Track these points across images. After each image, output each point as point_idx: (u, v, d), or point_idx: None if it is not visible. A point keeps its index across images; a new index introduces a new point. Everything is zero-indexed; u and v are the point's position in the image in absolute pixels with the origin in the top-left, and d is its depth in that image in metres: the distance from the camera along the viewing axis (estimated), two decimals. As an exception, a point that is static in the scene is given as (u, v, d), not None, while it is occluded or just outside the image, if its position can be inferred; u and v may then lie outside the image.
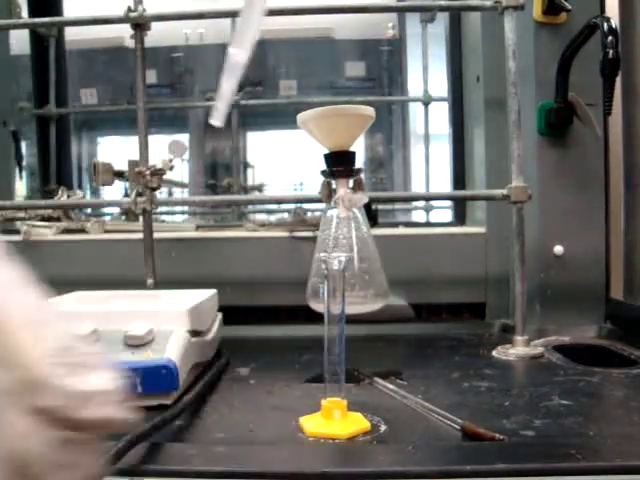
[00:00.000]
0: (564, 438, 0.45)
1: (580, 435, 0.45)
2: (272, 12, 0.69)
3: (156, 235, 0.86)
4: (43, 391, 0.20)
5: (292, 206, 1.05)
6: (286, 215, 1.07)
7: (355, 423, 0.47)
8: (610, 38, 0.69)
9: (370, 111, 0.53)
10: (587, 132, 0.82)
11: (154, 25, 0.84)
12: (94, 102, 1.87)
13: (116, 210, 1.17)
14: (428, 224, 1.30)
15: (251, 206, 1.56)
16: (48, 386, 0.20)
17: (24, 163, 1.57)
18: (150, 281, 0.83)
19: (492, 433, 0.44)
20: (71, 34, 1.69)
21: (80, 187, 1.90)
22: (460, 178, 1.05)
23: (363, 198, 0.55)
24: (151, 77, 1.84)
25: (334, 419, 0.46)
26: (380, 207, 1.07)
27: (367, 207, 0.57)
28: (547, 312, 0.83)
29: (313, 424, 0.46)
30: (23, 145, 1.60)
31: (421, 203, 1.40)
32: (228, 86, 0.41)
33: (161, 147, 1.04)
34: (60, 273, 0.47)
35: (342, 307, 0.46)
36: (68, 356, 0.21)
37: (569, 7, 0.79)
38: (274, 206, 1.40)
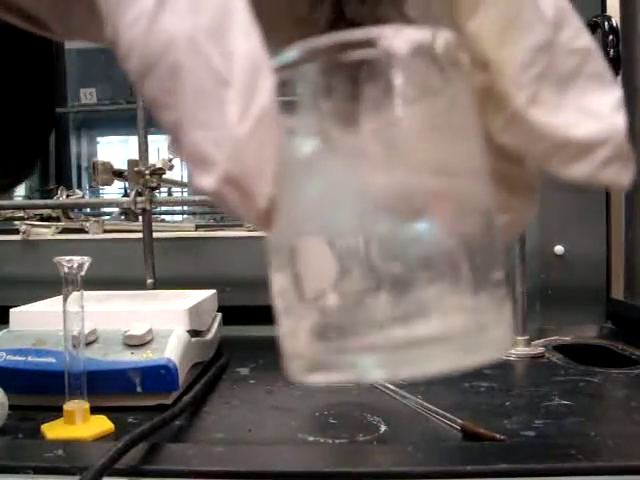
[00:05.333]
0: (564, 438, 0.45)
1: (580, 435, 0.45)
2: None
3: (156, 235, 0.86)
4: (508, 93, 0.16)
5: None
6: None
7: (98, 425, 0.46)
8: (611, 37, 0.69)
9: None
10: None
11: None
12: (93, 101, 1.87)
13: (115, 210, 1.17)
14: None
15: (251, 206, 1.56)
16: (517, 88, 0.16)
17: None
18: (149, 281, 0.83)
19: (492, 433, 0.44)
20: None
21: (79, 187, 1.90)
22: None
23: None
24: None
25: (76, 423, 0.45)
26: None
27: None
28: (548, 312, 0.83)
29: (55, 430, 0.45)
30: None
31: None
32: None
33: (161, 146, 1.04)
34: (59, 273, 0.47)
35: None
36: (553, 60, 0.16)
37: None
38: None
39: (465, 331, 0.14)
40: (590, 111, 0.16)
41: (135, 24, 0.13)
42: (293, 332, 0.17)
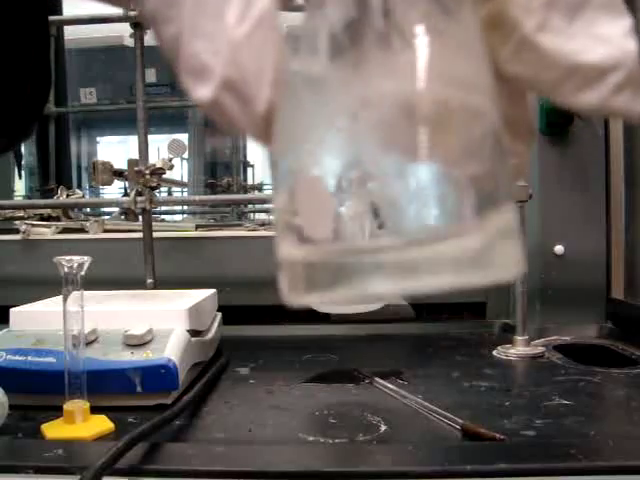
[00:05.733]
0: (564, 438, 0.45)
1: (581, 435, 0.45)
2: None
3: (155, 234, 0.86)
4: (518, 16, 0.16)
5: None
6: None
7: (98, 425, 0.46)
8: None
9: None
10: (587, 131, 0.82)
11: (154, 24, 0.84)
12: (93, 101, 1.87)
13: (115, 210, 1.17)
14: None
15: (251, 205, 1.56)
16: (527, 11, 0.15)
17: (23, 162, 1.57)
18: (149, 281, 0.83)
19: (492, 433, 0.44)
20: (70, 33, 1.69)
21: (79, 186, 1.90)
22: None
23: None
24: (151, 76, 1.83)
25: (76, 423, 0.45)
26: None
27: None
28: (548, 312, 0.83)
29: (55, 430, 0.45)
30: (22, 144, 1.60)
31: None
32: None
33: (161, 146, 1.04)
34: (59, 272, 0.47)
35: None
36: None
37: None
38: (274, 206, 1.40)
39: (472, 251, 0.14)
40: (600, 37, 0.16)
41: None
42: (290, 253, 0.16)
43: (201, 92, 0.14)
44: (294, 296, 0.16)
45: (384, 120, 0.14)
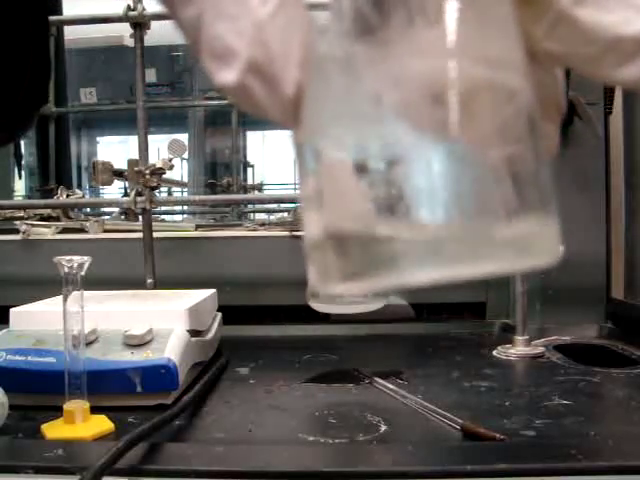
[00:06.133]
0: (564, 438, 0.45)
1: (580, 435, 0.45)
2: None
3: (155, 234, 0.86)
4: None
5: (292, 205, 1.05)
6: (286, 214, 1.07)
7: (98, 425, 0.46)
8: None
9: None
10: (588, 131, 0.82)
11: (154, 23, 0.84)
12: (93, 101, 1.87)
13: (115, 210, 1.17)
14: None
15: (251, 205, 1.56)
16: None
17: (23, 162, 1.57)
18: (149, 281, 0.83)
19: (492, 433, 0.44)
20: (70, 33, 1.69)
21: (79, 186, 1.90)
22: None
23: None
24: (151, 76, 1.84)
25: (76, 423, 0.45)
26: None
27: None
28: (548, 312, 0.83)
29: (55, 430, 0.45)
30: (22, 144, 1.60)
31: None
32: None
33: (161, 146, 1.04)
34: (59, 272, 0.47)
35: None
36: None
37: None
38: (274, 205, 1.40)
39: (512, 237, 0.14)
40: None
41: None
42: (319, 240, 0.15)
43: (225, 76, 0.13)
44: (325, 285, 0.15)
45: (415, 101, 0.14)
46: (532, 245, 0.14)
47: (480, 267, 0.13)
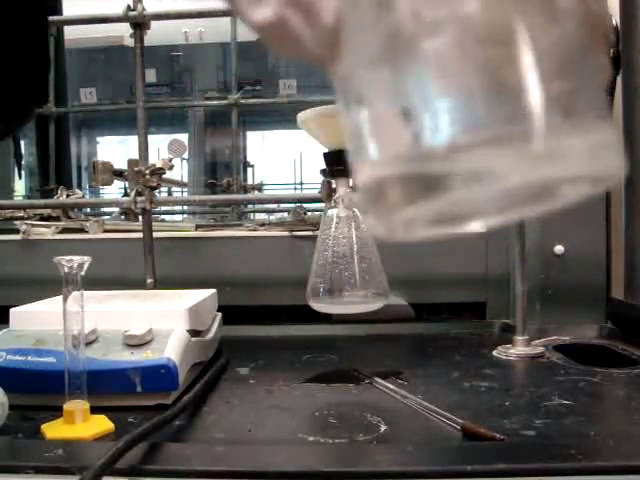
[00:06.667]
0: (564, 438, 0.45)
1: (580, 435, 0.45)
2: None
3: (156, 234, 0.86)
4: None
5: (292, 205, 1.05)
6: (286, 214, 1.07)
7: (98, 425, 0.46)
8: (611, 37, 0.69)
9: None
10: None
11: (153, 24, 0.84)
12: (93, 101, 1.87)
13: (115, 210, 1.17)
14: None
15: (251, 205, 1.56)
16: None
17: (23, 162, 1.57)
18: (149, 281, 0.83)
19: (492, 433, 0.44)
20: (70, 33, 1.69)
21: (79, 186, 1.90)
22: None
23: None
24: (151, 76, 1.84)
25: (76, 423, 0.45)
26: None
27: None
28: (548, 312, 0.83)
29: (55, 430, 0.45)
30: (22, 144, 1.59)
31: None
32: None
33: (161, 146, 1.04)
34: (59, 273, 0.47)
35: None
36: None
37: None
38: (274, 205, 1.40)
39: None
40: None
41: None
42: (372, 174, 0.15)
43: (262, 12, 0.13)
44: (389, 229, 0.15)
45: (458, 42, 0.13)
46: (599, 152, 0.14)
47: (553, 168, 0.13)
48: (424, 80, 0.13)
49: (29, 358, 0.52)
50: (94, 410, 0.47)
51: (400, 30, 0.14)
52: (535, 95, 0.13)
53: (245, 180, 1.93)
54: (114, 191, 1.60)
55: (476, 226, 0.14)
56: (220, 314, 0.75)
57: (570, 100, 0.14)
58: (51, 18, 1.04)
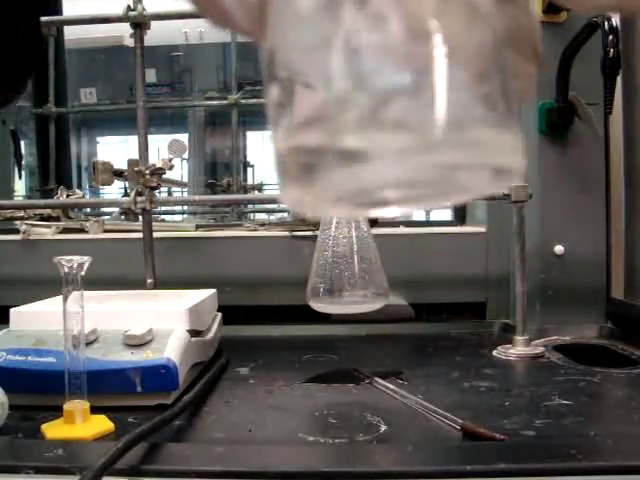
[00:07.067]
0: (564, 438, 0.45)
1: (580, 435, 0.45)
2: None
3: (156, 235, 0.86)
4: None
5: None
6: (286, 214, 1.07)
7: (98, 425, 0.46)
8: (611, 37, 0.69)
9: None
10: (587, 132, 0.82)
11: (153, 24, 0.84)
12: (93, 101, 1.87)
13: (115, 210, 1.17)
14: (428, 223, 1.30)
15: (251, 205, 1.56)
16: None
17: (23, 162, 1.57)
18: (150, 281, 0.83)
19: (492, 433, 0.44)
20: (70, 33, 1.69)
21: (79, 186, 1.90)
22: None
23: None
24: (151, 76, 1.83)
25: (76, 423, 0.45)
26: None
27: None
28: (548, 312, 0.83)
29: (55, 430, 0.45)
30: (22, 144, 1.59)
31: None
32: None
33: (161, 146, 1.04)
34: (59, 273, 0.47)
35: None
36: None
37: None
38: (274, 205, 1.40)
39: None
40: None
41: None
42: (286, 158, 0.15)
43: None
44: (292, 188, 0.15)
45: (395, 40, 0.14)
46: (498, 150, 0.15)
47: (451, 154, 0.14)
48: (348, 63, 0.14)
49: (29, 358, 0.52)
50: (94, 410, 0.47)
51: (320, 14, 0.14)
52: (443, 85, 0.14)
53: (245, 180, 1.93)
54: (114, 191, 1.60)
55: (391, 211, 0.15)
56: (220, 314, 0.75)
57: (483, 97, 0.14)
58: (51, 18, 1.04)
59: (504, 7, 0.16)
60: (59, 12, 1.43)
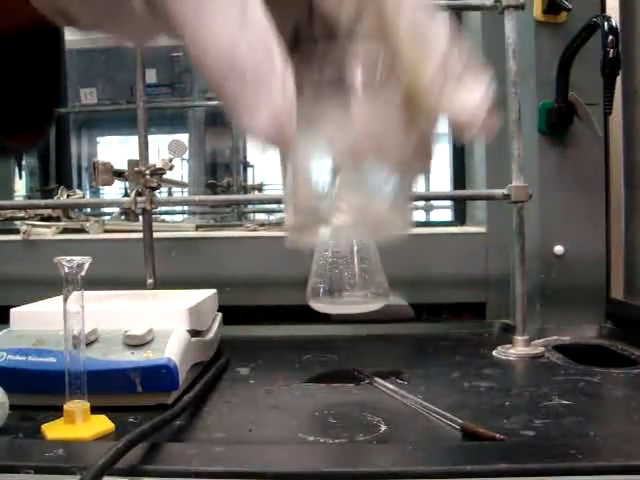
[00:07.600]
0: (564, 438, 0.45)
1: (580, 435, 0.45)
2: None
3: (156, 235, 0.86)
4: (422, 94, 0.21)
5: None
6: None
7: (99, 425, 0.46)
8: (610, 37, 0.69)
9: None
10: (587, 132, 0.82)
11: (154, 24, 0.84)
12: (94, 101, 1.87)
13: (116, 210, 1.17)
14: (428, 223, 1.30)
15: (251, 206, 1.56)
16: (428, 91, 0.21)
17: (23, 162, 1.57)
18: (150, 281, 0.83)
19: (492, 433, 0.44)
20: (70, 33, 1.68)
21: (80, 187, 1.90)
22: (460, 177, 1.05)
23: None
24: (151, 76, 1.83)
25: (76, 423, 0.45)
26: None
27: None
28: (547, 312, 0.83)
29: (56, 430, 0.45)
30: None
31: (421, 203, 1.39)
32: None
33: (161, 146, 1.04)
34: (59, 273, 0.48)
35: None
36: (448, 70, 0.22)
37: (569, 6, 0.79)
38: (274, 206, 1.40)
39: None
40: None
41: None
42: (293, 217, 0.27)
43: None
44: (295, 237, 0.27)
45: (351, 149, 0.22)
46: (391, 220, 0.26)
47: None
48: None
49: (29, 358, 0.52)
50: (94, 410, 0.47)
51: None
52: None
53: (245, 180, 1.93)
54: (114, 191, 1.60)
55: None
56: (220, 314, 0.75)
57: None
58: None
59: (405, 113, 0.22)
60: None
